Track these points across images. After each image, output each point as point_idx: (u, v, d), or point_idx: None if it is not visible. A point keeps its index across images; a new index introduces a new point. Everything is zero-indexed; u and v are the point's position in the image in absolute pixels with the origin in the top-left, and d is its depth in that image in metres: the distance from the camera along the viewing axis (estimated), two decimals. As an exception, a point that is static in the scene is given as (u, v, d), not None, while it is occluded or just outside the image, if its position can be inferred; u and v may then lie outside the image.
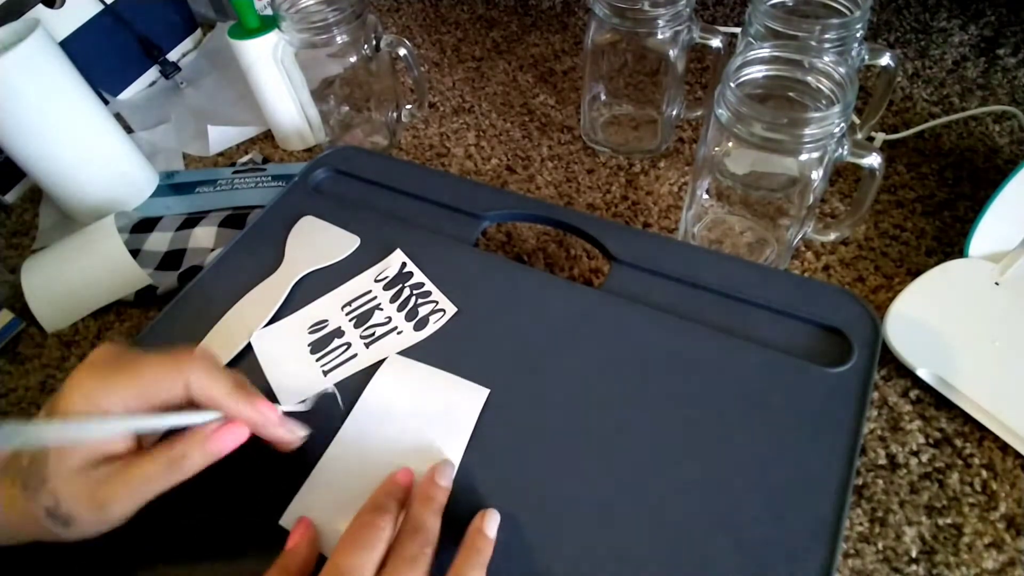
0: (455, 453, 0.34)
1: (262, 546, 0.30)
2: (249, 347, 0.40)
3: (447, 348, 0.39)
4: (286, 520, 0.32)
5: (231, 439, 0.30)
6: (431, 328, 0.40)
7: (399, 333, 0.40)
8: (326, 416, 0.35)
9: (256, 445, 0.31)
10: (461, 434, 0.34)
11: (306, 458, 0.34)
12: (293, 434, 0.32)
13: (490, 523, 0.30)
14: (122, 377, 0.28)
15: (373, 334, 0.40)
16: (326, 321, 0.41)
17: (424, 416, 0.35)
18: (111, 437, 0.28)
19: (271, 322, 0.41)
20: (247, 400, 0.30)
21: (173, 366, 0.29)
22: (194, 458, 0.29)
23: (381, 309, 0.41)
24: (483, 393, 0.36)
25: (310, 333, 0.40)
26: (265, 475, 0.34)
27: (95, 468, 0.28)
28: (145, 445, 0.30)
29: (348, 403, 0.36)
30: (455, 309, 0.41)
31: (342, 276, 0.43)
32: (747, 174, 0.45)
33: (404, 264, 0.43)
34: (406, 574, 0.27)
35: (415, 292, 0.42)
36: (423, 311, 0.41)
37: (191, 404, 0.30)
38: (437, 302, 0.41)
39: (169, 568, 0.31)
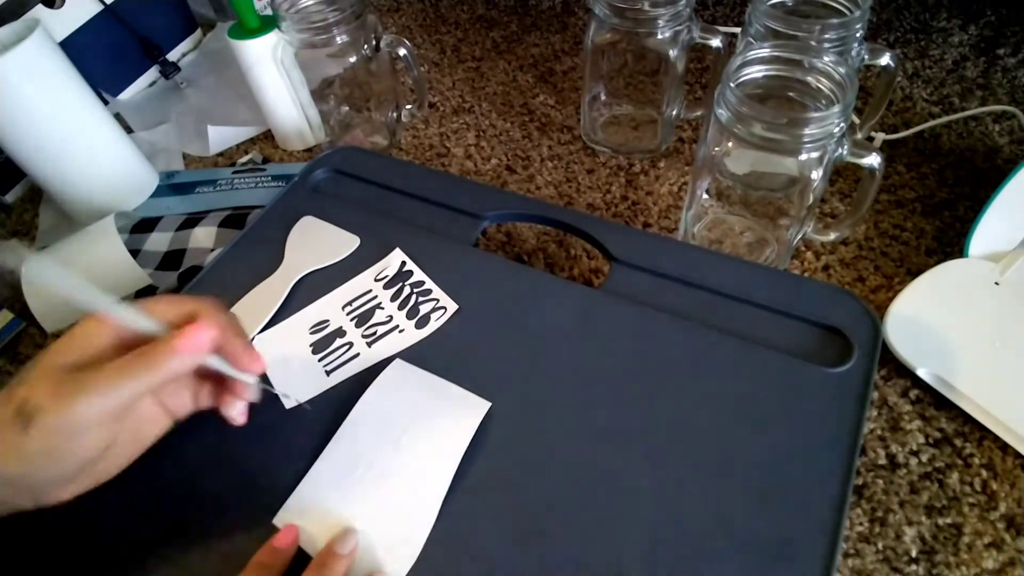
0: (451, 462, 0.33)
1: (255, 544, 0.30)
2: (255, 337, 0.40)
3: (448, 348, 0.39)
4: (279, 520, 0.32)
5: (196, 339, 0.29)
6: (433, 326, 0.40)
7: (401, 331, 0.40)
8: (321, 420, 0.35)
9: (255, 445, 0.31)
10: (459, 443, 0.34)
11: (302, 459, 0.34)
12: (253, 367, 0.32)
13: (343, 542, 0.30)
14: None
15: (375, 333, 0.40)
16: (327, 321, 0.41)
17: (422, 424, 0.35)
18: (100, 311, 0.28)
19: (271, 323, 0.41)
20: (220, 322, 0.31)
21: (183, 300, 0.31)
22: (159, 359, 0.28)
23: (382, 308, 0.41)
24: (484, 405, 0.35)
25: (311, 333, 0.40)
26: (260, 474, 0.34)
27: (70, 369, 0.28)
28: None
29: (348, 405, 0.36)
30: (456, 306, 0.41)
31: (342, 276, 0.43)
32: (747, 174, 0.45)
33: (404, 263, 0.43)
34: None
35: (415, 290, 0.42)
36: (424, 309, 0.41)
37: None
38: (438, 300, 0.41)
39: (162, 566, 0.31)
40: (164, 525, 0.32)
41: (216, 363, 0.31)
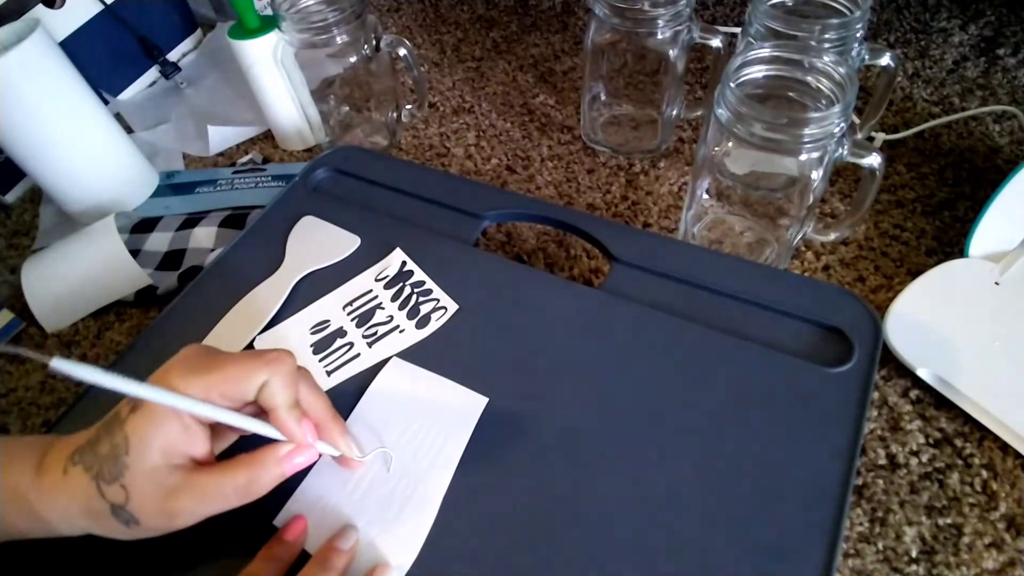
0: (451, 460, 0.34)
1: (256, 545, 0.30)
2: (250, 347, 0.40)
3: (448, 348, 0.39)
4: (280, 521, 0.32)
5: (301, 462, 0.29)
6: (433, 326, 0.40)
7: (401, 332, 0.40)
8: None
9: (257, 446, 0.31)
10: (458, 441, 0.34)
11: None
12: (350, 452, 0.32)
13: (344, 537, 0.30)
14: (208, 373, 0.28)
15: (375, 333, 0.40)
16: (328, 321, 0.41)
17: (422, 423, 0.35)
18: (193, 413, 0.28)
19: (272, 323, 0.41)
20: (298, 419, 0.29)
21: (253, 366, 0.29)
22: (265, 481, 0.29)
23: (383, 308, 0.41)
24: (482, 401, 0.36)
25: (312, 334, 0.40)
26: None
27: (171, 473, 0.28)
28: (215, 449, 0.31)
29: (349, 406, 0.36)
30: (456, 306, 0.41)
31: (343, 276, 0.43)
32: (747, 174, 0.45)
33: (404, 263, 0.43)
34: None
35: (416, 290, 0.42)
36: (425, 309, 0.41)
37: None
38: (438, 300, 0.41)
39: (162, 566, 0.31)
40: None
41: (324, 449, 0.31)
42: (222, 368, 0.28)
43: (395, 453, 0.34)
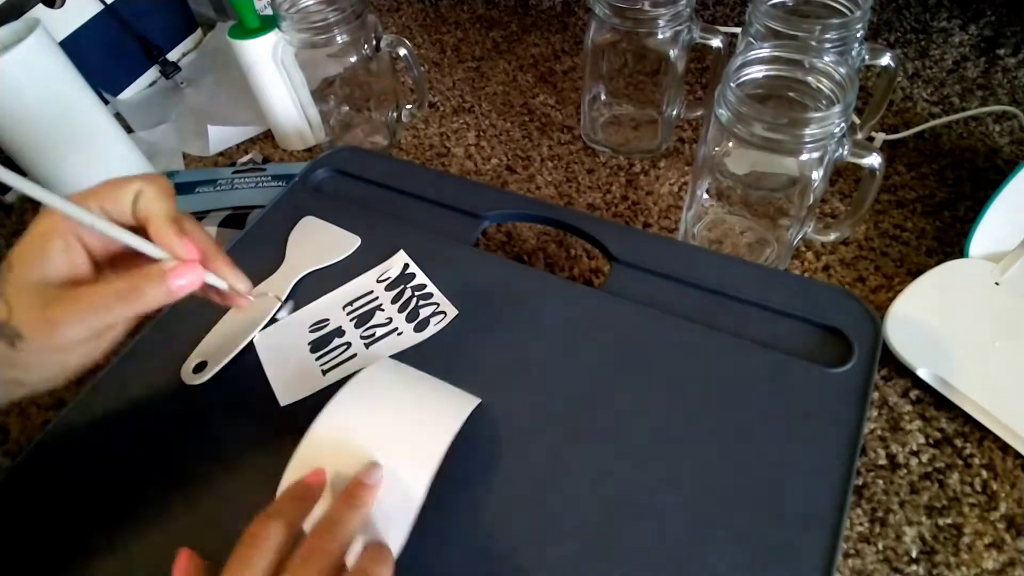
0: (434, 454, 0.31)
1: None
2: (251, 345, 0.40)
3: (444, 352, 0.39)
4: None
5: (186, 279, 0.29)
6: (431, 330, 0.40)
7: (399, 334, 0.40)
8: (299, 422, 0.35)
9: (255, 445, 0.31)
10: (443, 435, 0.32)
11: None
12: (234, 280, 0.32)
13: (371, 474, 0.29)
14: (86, 191, 0.29)
15: (373, 334, 0.40)
16: (327, 320, 0.41)
17: (410, 408, 0.33)
18: (72, 216, 0.28)
19: (272, 322, 0.41)
20: (176, 230, 0.30)
21: (127, 178, 0.30)
22: (148, 292, 0.29)
23: (382, 310, 0.41)
24: (472, 401, 0.35)
25: (311, 332, 0.40)
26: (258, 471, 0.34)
27: (52, 287, 0.28)
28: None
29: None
30: (456, 311, 0.40)
31: (342, 276, 0.43)
32: (747, 174, 0.45)
33: (407, 265, 0.43)
34: (300, 571, 0.26)
35: (417, 293, 0.42)
36: (424, 313, 0.41)
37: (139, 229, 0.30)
38: (438, 304, 0.41)
39: (150, 541, 0.31)
40: (162, 522, 0.32)
41: (211, 280, 0.31)
42: (100, 184, 0.30)
43: (379, 433, 0.32)
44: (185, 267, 0.29)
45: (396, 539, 0.30)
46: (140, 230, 0.30)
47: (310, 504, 0.29)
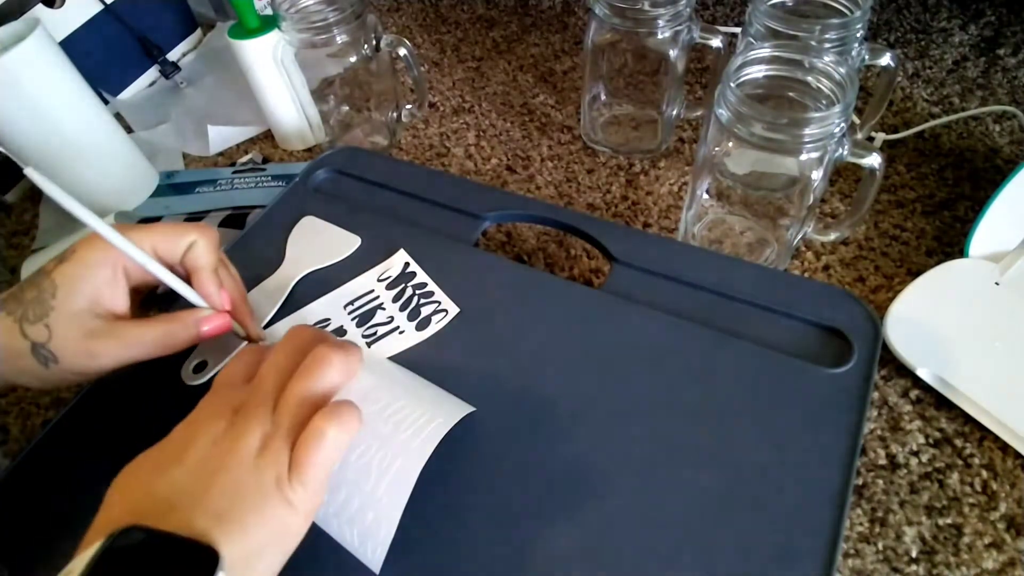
0: (432, 437, 0.31)
1: None
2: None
3: (446, 350, 0.39)
4: None
5: (215, 327, 0.33)
6: (433, 328, 0.40)
7: (401, 333, 0.40)
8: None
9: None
10: (431, 435, 0.31)
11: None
12: (253, 330, 0.36)
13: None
14: (140, 230, 0.32)
15: (375, 333, 0.40)
16: (328, 320, 0.41)
17: (405, 402, 0.33)
18: (129, 256, 0.30)
19: (272, 322, 0.41)
20: (218, 283, 0.33)
21: (184, 227, 0.33)
22: (181, 337, 0.32)
23: (384, 309, 0.41)
24: (464, 409, 0.34)
25: (311, 333, 0.40)
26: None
27: (94, 318, 0.30)
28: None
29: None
30: (457, 309, 0.41)
31: (343, 276, 0.43)
32: (747, 174, 0.45)
33: (407, 264, 0.43)
34: (276, 355, 0.29)
35: (418, 292, 0.42)
36: (425, 311, 0.41)
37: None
38: (440, 302, 0.41)
39: None
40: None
41: (235, 328, 0.34)
42: (154, 227, 0.32)
43: (373, 424, 0.32)
44: (218, 318, 0.33)
45: (388, 529, 0.30)
46: (180, 272, 0.33)
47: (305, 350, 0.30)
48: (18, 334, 0.29)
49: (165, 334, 0.32)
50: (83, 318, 0.30)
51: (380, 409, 0.33)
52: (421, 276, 0.43)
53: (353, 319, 0.41)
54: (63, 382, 0.32)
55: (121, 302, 0.32)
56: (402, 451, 0.31)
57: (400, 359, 0.38)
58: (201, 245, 0.33)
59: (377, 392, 0.34)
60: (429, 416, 0.33)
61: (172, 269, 0.33)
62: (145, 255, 0.30)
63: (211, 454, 0.26)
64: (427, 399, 0.34)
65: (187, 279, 0.33)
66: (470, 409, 0.34)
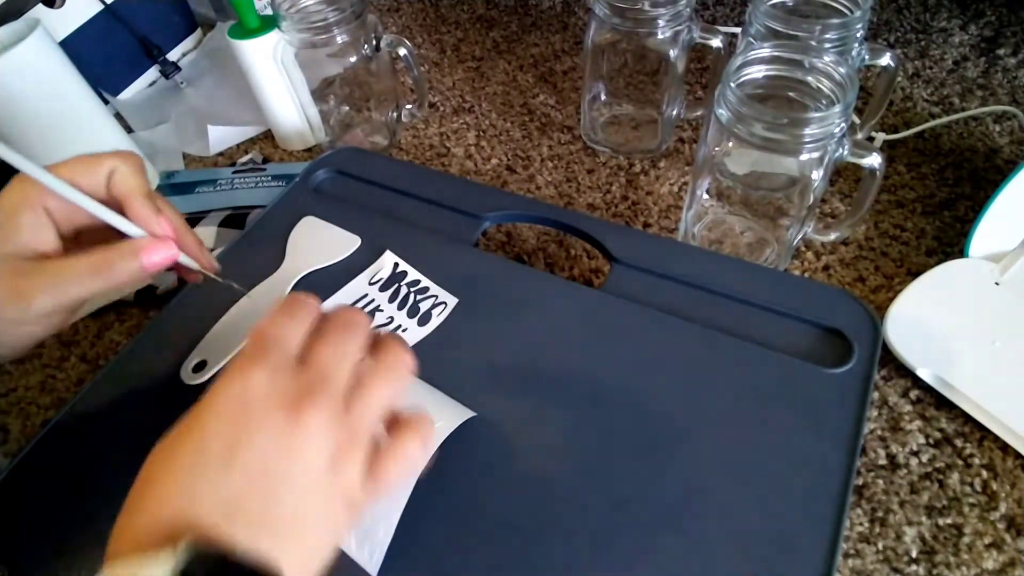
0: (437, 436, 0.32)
1: None
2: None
3: (450, 347, 0.39)
4: None
5: (159, 256, 0.30)
6: (435, 321, 0.40)
7: (404, 331, 0.40)
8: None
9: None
10: (446, 424, 0.33)
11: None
12: (205, 260, 0.32)
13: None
14: (58, 164, 0.29)
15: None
16: (326, 324, 0.41)
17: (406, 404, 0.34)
18: (52, 188, 0.28)
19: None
20: (153, 208, 0.30)
21: (101, 155, 0.30)
22: (120, 268, 0.29)
23: (381, 310, 0.41)
24: (464, 414, 0.34)
25: (311, 338, 0.40)
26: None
27: (23, 260, 0.28)
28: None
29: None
30: (455, 300, 0.41)
31: (343, 276, 0.43)
32: (747, 174, 0.45)
33: (396, 264, 0.43)
34: (342, 337, 0.25)
35: (413, 289, 0.42)
36: (424, 306, 0.41)
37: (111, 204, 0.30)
38: (437, 296, 0.41)
39: None
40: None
41: (183, 260, 0.31)
42: (71, 159, 0.29)
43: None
44: (159, 244, 0.30)
45: (387, 530, 0.30)
46: (112, 206, 0.30)
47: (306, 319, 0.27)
48: None
49: (101, 262, 0.29)
50: (9, 261, 0.28)
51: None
52: (413, 274, 0.43)
53: (353, 320, 0.41)
54: (9, 337, 0.29)
55: (49, 242, 0.29)
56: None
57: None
58: (123, 170, 0.30)
59: None
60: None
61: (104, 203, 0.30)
62: (71, 187, 0.28)
63: (270, 456, 0.22)
64: (429, 403, 0.35)
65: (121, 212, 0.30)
66: (470, 414, 0.34)
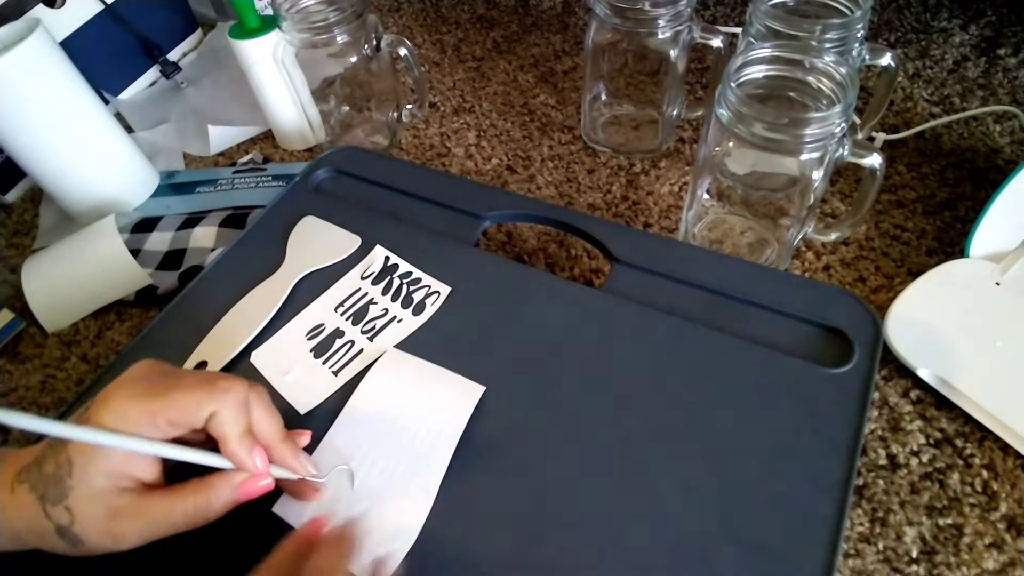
0: (448, 445, 0.33)
1: (255, 532, 0.30)
2: (251, 345, 0.40)
3: (447, 337, 0.39)
4: (279, 508, 0.32)
5: (256, 490, 0.29)
6: (429, 311, 0.40)
7: (399, 321, 0.40)
8: (331, 416, 0.36)
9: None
10: (455, 426, 0.34)
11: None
12: (300, 468, 0.31)
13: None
14: (154, 399, 0.27)
15: (374, 327, 0.40)
16: (322, 325, 0.41)
17: (418, 409, 0.35)
18: (136, 454, 0.27)
19: (269, 328, 0.41)
20: (249, 447, 0.29)
21: (207, 393, 0.28)
22: (217, 507, 0.28)
23: (375, 303, 0.41)
24: (478, 390, 0.36)
25: (309, 339, 0.40)
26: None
27: (118, 494, 0.27)
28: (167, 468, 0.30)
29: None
30: (448, 288, 0.41)
31: (343, 276, 0.43)
32: (748, 174, 0.45)
33: (387, 258, 0.43)
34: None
35: (405, 280, 0.42)
36: (417, 296, 0.41)
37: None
38: (429, 286, 0.41)
39: (161, 554, 0.31)
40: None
41: (278, 474, 0.30)
42: (169, 395, 0.27)
43: (391, 440, 0.34)
44: (255, 480, 0.29)
45: (407, 540, 0.30)
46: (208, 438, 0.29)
47: (308, 556, 0.28)
48: (42, 514, 0.27)
49: (197, 509, 0.28)
50: (105, 498, 0.27)
51: (392, 424, 0.34)
52: (404, 266, 0.43)
53: (347, 319, 0.41)
54: (97, 553, 0.28)
55: (147, 469, 0.28)
56: (421, 463, 0.33)
57: (403, 347, 0.39)
58: (224, 414, 0.28)
59: (390, 406, 0.35)
60: (442, 421, 0.35)
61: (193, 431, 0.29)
62: (147, 443, 0.27)
63: None
64: (438, 397, 0.36)
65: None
66: (479, 391, 0.36)
